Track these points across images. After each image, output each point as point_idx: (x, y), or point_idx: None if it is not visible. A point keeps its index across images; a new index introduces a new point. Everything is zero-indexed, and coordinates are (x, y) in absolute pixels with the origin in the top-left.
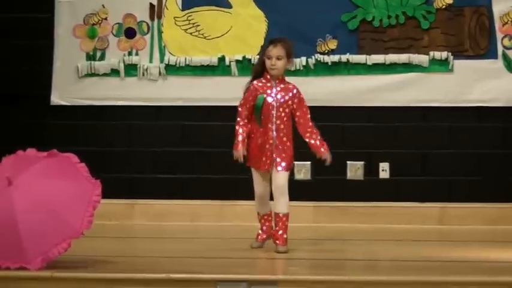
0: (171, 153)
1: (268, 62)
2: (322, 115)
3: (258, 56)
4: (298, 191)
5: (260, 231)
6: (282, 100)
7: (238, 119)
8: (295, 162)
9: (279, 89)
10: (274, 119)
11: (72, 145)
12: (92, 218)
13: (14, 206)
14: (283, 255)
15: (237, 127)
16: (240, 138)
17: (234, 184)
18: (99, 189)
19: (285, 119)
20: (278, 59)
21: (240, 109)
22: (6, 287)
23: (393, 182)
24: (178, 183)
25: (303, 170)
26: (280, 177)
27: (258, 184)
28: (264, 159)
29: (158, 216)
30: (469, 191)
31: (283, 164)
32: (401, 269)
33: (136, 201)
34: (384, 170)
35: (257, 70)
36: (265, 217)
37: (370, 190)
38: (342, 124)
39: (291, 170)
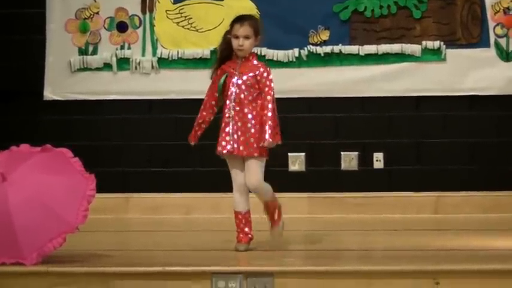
0: (165, 147)
1: (235, 42)
2: (316, 106)
3: None
4: (292, 182)
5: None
6: (245, 77)
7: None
8: (289, 154)
9: (243, 67)
10: (233, 97)
11: (66, 140)
12: (87, 212)
13: (8, 201)
14: (279, 247)
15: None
16: (194, 125)
17: (229, 176)
18: (93, 183)
19: (247, 98)
20: (246, 38)
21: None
22: (2, 283)
23: (388, 172)
24: (173, 177)
25: (297, 161)
26: (252, 174)
27: (235, 172)
28: (220, 140)
29: (153, 210)
30: (464, 179)
31: (246, 143)
32: (397, 259)
33: (131, 194)
34: (378, 160)
35: (224, 52)
36: (246, 216)
37: (364, 180)
38: (336, 115)
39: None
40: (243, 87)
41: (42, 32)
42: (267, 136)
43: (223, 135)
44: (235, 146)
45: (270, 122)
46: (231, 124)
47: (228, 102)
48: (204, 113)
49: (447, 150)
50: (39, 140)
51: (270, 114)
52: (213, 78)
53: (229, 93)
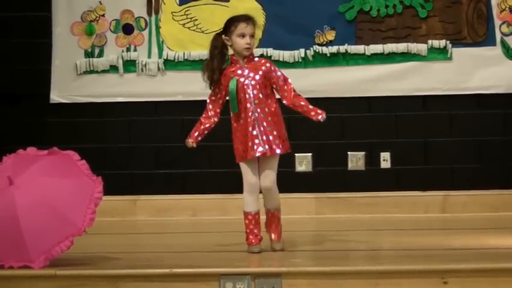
0: (172, 148)
1: (242, 42)
2: (322, 106)
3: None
4: (299, 182)
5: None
6: (257, 77)
7: (203, 113)
8: (296, 154)
9: (249, 67)
10: (252, 99)
11: (73, 143)
12: (94, 215)
13: (15, 205)
14: (286, 247)
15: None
16: (193, 130)
17: (235, 178)
18: (100, 186)
19: (264, 97)
20: (251, 36)
21: (207, 101)
22: (10, 286)
23: (395, 172)
24: (180, 178)
25: (304, 162)
26: (270, 173)
27: (249, 173)
28: (250, 144)
29: (160, 212)
30: (471, 178)
31: (277, 141)
32: (405, 258)
33: (138, 197)
34: (385, 160)
35: (218, 56)
36: (256, 217)
37: (371, 180)
38: (342, 115)
39: (290, 161)
40: (258, 86)
41: (48, 35)
42: (319, 111)
43: (252, 138)
44: (267, 147)
45: (306, 103)
46: (257, 126)
47: (248, 105)
48: (209, 120)
49: (454, 149)
50: (46, 142)
51: (303, 97)
52: (213, 86)
53: (246, 96)
